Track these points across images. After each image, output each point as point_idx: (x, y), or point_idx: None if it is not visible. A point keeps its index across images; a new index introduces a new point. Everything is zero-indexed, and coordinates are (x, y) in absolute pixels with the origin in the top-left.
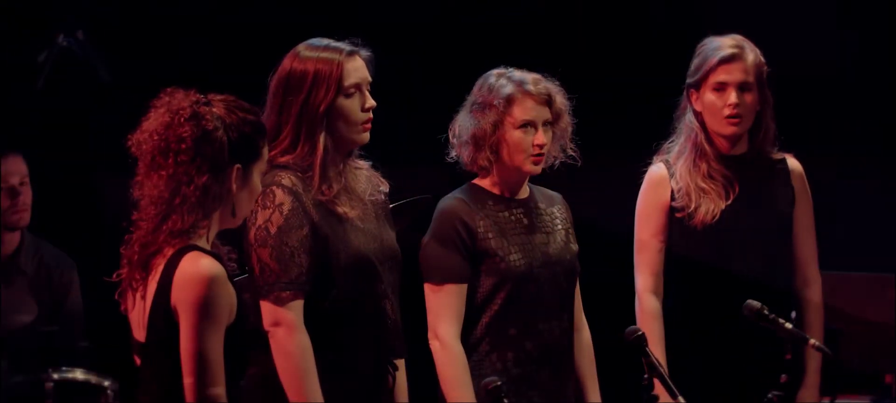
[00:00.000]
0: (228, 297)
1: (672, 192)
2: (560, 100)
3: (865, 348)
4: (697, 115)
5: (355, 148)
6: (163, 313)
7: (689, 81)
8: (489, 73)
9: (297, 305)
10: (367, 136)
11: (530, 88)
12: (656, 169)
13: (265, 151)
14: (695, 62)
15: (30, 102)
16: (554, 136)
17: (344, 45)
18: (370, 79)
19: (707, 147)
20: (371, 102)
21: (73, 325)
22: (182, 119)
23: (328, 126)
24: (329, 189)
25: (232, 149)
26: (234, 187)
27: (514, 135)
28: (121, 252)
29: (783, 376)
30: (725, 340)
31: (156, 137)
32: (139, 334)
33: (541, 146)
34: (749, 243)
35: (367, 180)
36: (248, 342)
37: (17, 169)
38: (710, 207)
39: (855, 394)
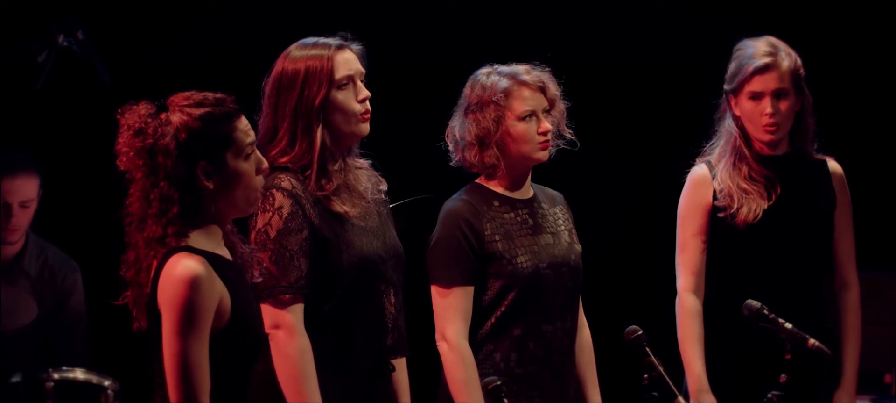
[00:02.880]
0: (212, 299)
1: (715, 192)
2: (553, 87)
3: (865, 348)
4: (736, 119)
5: (355, 143)
6: (155, 314)
7: (726, 86)
8: (476, 73)
9: (297, 308)
10: (366, 127)
11: (525, 77)
12: (699, 170)
13: (238, 134)
14: (731, 68)
15: (30, 103)
16: (552, 122)
17: (333, 40)
18: (363, 70)
19: (747, 150)
20: (365, 93)
21: (76, 327)
22: (130, 137)
23: (325, 121)
24: (328, 184)
25: (183, 151)
26: (210, 183)
27: (518, 127)
28: (121, 275)
29: (782, 376)
30: (765, 339)
31: (123, 158)
32: None
33: (545, 133)
34: (791, 244)
35: (367, 178)
36: (262, 343)
37: (21, 190)
38: (752, 207)
39: (856, 394)
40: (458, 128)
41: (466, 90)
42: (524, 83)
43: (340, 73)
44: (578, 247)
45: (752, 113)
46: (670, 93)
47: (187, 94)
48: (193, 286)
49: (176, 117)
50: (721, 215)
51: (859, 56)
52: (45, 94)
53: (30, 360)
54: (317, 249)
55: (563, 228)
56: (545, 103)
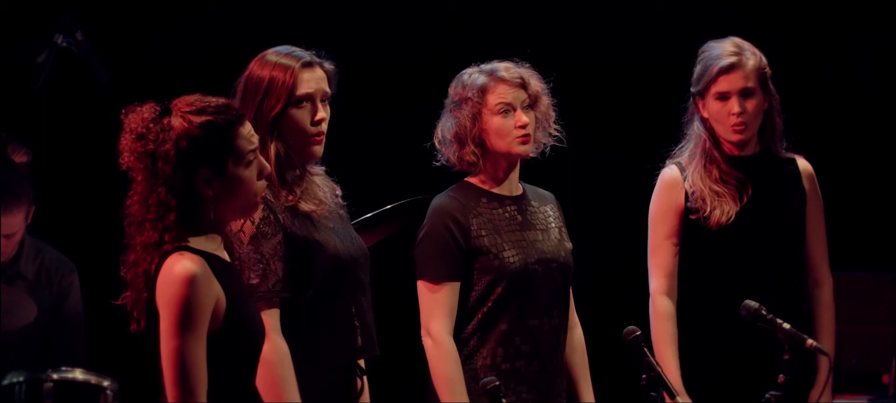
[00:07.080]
0: (208, 298)
1: (686, 194)
2: (535, 82)
3: (865, 348)
4: (704, 121)
5: (310, 161)
6: (154, 315)
7: (692, 89)
8: (462, 72)
9: (274, 313)
10: (319, 150)
11: (502, 73)
12: (669, 172)
13: (239, 141)
14: (696, 71)
15: (29, 103)
16: (537, 120)
17: (304, 55)
18: (328, 91)
19: (716, 152)
20: (322, 115)
21: (74, 328)
22: (132, 140)
23: (280, 135)
24: (292, 195)
25: (183, 158)
26: (210, 190)
27: (494, 121)
28: (121, 275)
29: (781, 376)
30: (742, 340)
31: (125, 157)
32: None
33: (523, 126)
34: (764, 244)
35: (323, 183)
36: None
37: (7, 224)
38: (725, 209)
39: (854, 394)
40: (442, 126)
41: (450, 88)
42: (501, 79)
43: (301, 90)
44: (569, 245)
45: (720, 113)
46: (670, 93)
47: (191, 99)
48: (190, 284)
49: (177, 123)
50: (693, 217)
51: (859, 56)
52: (44, 94)
53: (29, 360)
54: (291, 251)
55: (553, 225)
56: (525, 98)
